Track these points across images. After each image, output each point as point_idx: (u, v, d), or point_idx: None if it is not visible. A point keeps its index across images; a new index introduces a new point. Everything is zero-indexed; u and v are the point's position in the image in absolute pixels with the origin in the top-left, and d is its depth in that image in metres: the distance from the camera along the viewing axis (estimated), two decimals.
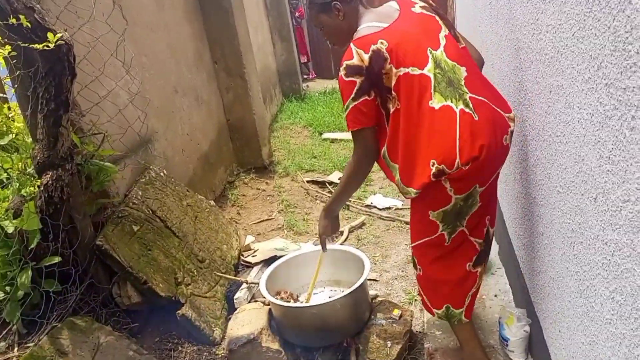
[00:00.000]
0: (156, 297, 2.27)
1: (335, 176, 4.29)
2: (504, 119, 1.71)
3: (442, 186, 1.65)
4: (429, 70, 1.66)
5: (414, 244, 1.87)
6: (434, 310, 1.95)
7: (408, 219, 3.40)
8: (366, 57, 1.65)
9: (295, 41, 7.11)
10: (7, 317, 1.95)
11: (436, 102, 1.63)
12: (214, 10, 4.04)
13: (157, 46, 3.20)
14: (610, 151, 0.98)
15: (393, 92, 1.68)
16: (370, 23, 1.76)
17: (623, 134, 0.91)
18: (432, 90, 1.64)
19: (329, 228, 2.10)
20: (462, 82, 1.68)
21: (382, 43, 1.66)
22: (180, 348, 2.32)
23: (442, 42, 1.73)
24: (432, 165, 1.62)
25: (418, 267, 1.91)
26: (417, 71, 1.66)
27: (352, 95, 1.68)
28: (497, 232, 2.41)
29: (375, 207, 3.73)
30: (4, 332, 1.96)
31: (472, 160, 1.60)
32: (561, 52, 1.27)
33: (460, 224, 1.75)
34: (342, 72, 1.70)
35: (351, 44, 1.70)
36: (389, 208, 3.66)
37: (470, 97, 1.65)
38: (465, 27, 4.43)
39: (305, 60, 8.27)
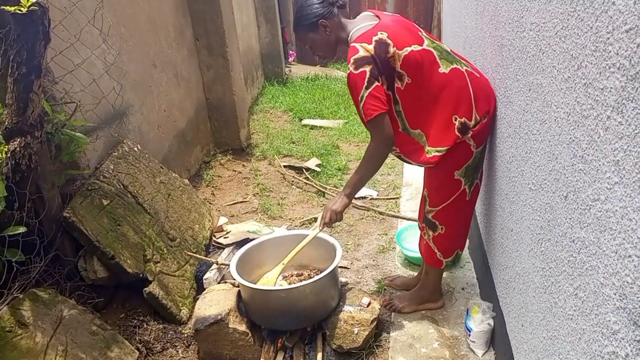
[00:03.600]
0: (123, 273, 2.24)
1: (313, 162, 4.28)
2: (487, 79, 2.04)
3: (467, 144, 1.92)
4: (427, 45, 1.90)
5: (439, 207, 2.09)
6: (444, 261, 2.22)
7: (382, 209, 3.45)
8: (370, 47, 1.82)
9: (280, 24, 7.01)
10: None
11: (444, 68, 1.88)
12: None
13: (137, 17, 3.11)
14: (584, 150, 1.00)
15: (401, 71, 1.85)
16: (359, 26, 1.96)
17: (598, 133, 0.93)
18: (438, 59, 1.88)
19: (342, 211, 2.12)
20: (454, 55, 1.98)
21: (381, 34, 1.85)
22: (145, 325, 2.29)
23: (422, 31, 2.00)
24: (455, 120, 1.88)
25: (440, 227, 2.13)
26: (418, 47, 1.87)
27: (365, 85, 1.82)
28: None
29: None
30: None
31: (486, 113, 1.90)
32: (543, 50, 1.28)
33: (476, 177, 2.05)
34: (351, 68, 1.84)
35: (353, 44, 1.87)
36: (364, 198, 3.67)
37: (466, 63, 1.97)
38: (450, 23, 4.44)
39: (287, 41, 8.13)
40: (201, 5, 4.00)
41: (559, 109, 1.15)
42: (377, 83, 1.82)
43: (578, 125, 1.03)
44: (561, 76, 1.14)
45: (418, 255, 2.38)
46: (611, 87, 0.86)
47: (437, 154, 1.93)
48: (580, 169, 1.02)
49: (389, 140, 1.91)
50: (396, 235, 2.90)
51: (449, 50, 2.01)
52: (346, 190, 2.09)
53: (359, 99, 1.84)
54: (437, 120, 1.91)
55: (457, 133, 1.89)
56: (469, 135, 1.91)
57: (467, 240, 2.76)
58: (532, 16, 1.38)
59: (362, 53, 1.82)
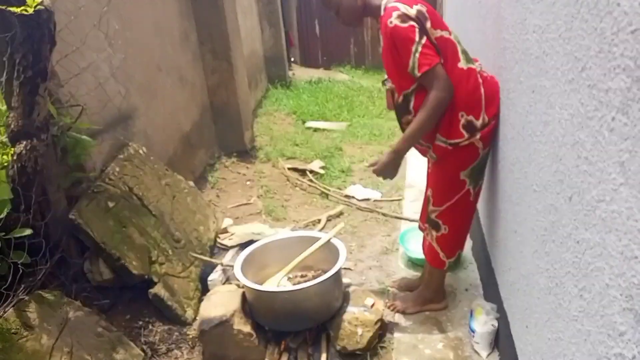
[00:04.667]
0: (129, 275, 2.25)
1: (316, 165, 4.29)
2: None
3: (475, 146, 1.94)
4: (454, 37, 1.93)
5: (443, 207, 2.10)
6: (447, 261, 2.22)
7: (385, 211, 3.45)
8: (412, 11, 1.82)
9: (283, 28, 7.04)
10: None
11: (464, 64, 1.91)
12: None
13: (142, 22, 3.13)
14: (589, 152, 1.00)
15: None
16: None
17: (602, 134, 0.93)
18: (460, 53, 1.91)
19: (392, 167, 2.02)
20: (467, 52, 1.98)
21: (422, 6, 1.86)
22: (150, 327, 2.30)
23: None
24: (462, 117, 1.89)
25: (443, 227, 2.14)
26: (447, 34, 1.90)
27: (417, 38, 1.80)
28: (471, 228, 2.45)
29: (354, 197, 3.74)
30: None
31: (495, 115, 1.91)
32: (547, 52, 1.28)
33: (481, 178, 2.08)
34: (396, 22, 1.80)
35: (395, 4, 1.84)
36: (367, 199, 3.67)
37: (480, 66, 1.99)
38: (453, 25, 4.45)
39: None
40: (206, 10, 4.02)
41: (563, 110, 1.15)
42: (425, 37, 1.81)
43: (582, 127, 1.03)
44: (565, 78, 1.14)
45: (421, 256, 2.38)
46: (616, 89, 0.87)
47: (442, 144, 1.95)
48: (585, 170, 1.02)
49: (450, 87, 1.84)
50: (400, 237, 2.90)
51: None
52: (395, 150, 1.98)
53: (413, 51, 1.80)
54: (446, 112, 1.90)
55: (462, 130, 1.90)
56: (478, 137, 1.92)
57: (470, 242, 2.77)
58: (535, 18, 1.39)
59: (406, 11, 1.81)
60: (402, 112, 2.04)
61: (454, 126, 1.91)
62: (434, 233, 2.19)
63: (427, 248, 2.28)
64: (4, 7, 1.76)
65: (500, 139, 1.95)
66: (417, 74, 1.82)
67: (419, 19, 1.82)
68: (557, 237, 1.22)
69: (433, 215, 2.16)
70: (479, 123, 1.91)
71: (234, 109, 4.37)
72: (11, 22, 1.86)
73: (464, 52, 1.94)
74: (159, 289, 2.31)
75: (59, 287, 2.12)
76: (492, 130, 1.95)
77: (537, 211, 1.40)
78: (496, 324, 2.03)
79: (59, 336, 1.87)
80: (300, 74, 7.64)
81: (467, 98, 1.90)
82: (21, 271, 1.98)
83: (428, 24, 1.83)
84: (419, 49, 1.80)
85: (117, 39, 2.65)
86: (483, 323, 2.04)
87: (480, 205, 2.55)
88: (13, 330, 1.75)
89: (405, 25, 1.80)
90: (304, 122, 5.49)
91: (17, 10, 1.75)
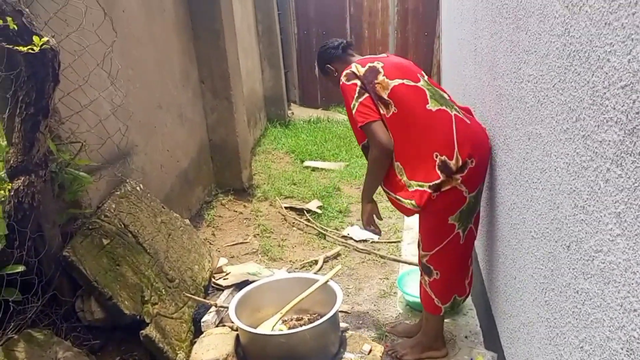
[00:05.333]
0: (120, 315, 2.20)
1: (314, 204, 4.29)
2: (484, 128, 2.11)
3: (459, 190, 1.93)
4: (422, 85, 2.01)
5: (432, 252, 2.09)
6: (442, 307, 2.19)
7: (383, 253, 3.42)
8: (362, 70, 2.02)
9: (283, 69, 7.18)
10: None
11: (433, 106, 1.96)
12: (204, 31, 4.07)
13: (144, 60, 3.20)
14: (585, 201, 1.00)
15: (388, 99, 1.96)
16: (363, 57, 2.15)
17: (598, 185, 0.94)
18: (428, 98, 1.97)
19: (372, 212, 2.23)
20: (449, 101, 2.05)
21: (378, 63, 2.03)
22: None
23: (425, 76, 2.11)
24: (436, 157, 1.91)
25: (435, 272, 2.13)
26: (411, 83, 1.99)
27: (356, 95, 1.99)
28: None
29: (351, 238, 3.72)
30: None
31: (469, 156, 1.91)
32: (541, 101, 1.31)
33: (470, 221, 2.06)
34: (343, 80, 2.05)
35: (353, 64, 2.07)
36: (365, 240, 3.65)
37: (459, 108, 2.04)
38: (449, 70, 4.55)
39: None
40: (207, 50, 4.12)
41: (559, 159, 1.17)
42: (367, 94, 1.98)
43: (578, 176, 1.04)
44: (560, 127, 1.16)
45: (419, 300, 2.35)
46: (609, 140, 0.88)
47: (418, 188, 1.92)
48: (582, 219, 1.02)
49: (385, 146, 1.96)
50: (397, 280, 2.86)
51: (445, 96, 2.07)
52: (362, 200, 2.22)
53: (352, 107, 2.00)
54: (419, 154, 1.94)
55: (437, 171, 1.90)
56: (459, 181, 1.91)
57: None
58: (529, 68, 1.42)
59: (353, 70, 2.03)
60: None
61: (431, 168, 1.91)
62: (427, 278, 2.18)
63: (422, 293, 2.25)
64: (10, 46, 1.79)
65: (498, 183, 1.96)
66: (359, 127, 2.01)
67: (365, 76, 1.99)
68: (557, 286, 1.21)
69: (424, 260, 2.15)
70: (452, 163, 1.89)
71: (232, 146, 4.40)
72: (17, 59, 1.90)
73: (437, 98, 1.99)
74: (150, 330, 2.26)
75: (49, 325, 2.07)
76: (475, 174, 1.95)
77: (536, 258, 1.40)
78: None
79: None
80: (299, 113, 7.74)
81: (439, 137, 1.93)
82: (11, 309, 1.94)
83: (380, 77, 1.97)
84: (357, 105, 1.98)
85: (119, 77, 2.69)
86: None
87: (479, 249, 2.54)
88: None
89: (349, 83, 2.01)
90: (302, 162, 5.52)
91: (24, 49, 1.79)
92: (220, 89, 4.23)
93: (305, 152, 5.75)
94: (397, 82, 1.96)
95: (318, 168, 5.31)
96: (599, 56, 0.91)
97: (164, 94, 3.47)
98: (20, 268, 1.96)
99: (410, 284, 2.79)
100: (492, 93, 2.06)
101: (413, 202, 1.94)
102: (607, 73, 0.88)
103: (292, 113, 7.61)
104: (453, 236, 2.04)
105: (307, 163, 5.46)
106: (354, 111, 2.00)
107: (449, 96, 2.10)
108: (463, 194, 1.95)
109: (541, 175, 1.33)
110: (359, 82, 1.99)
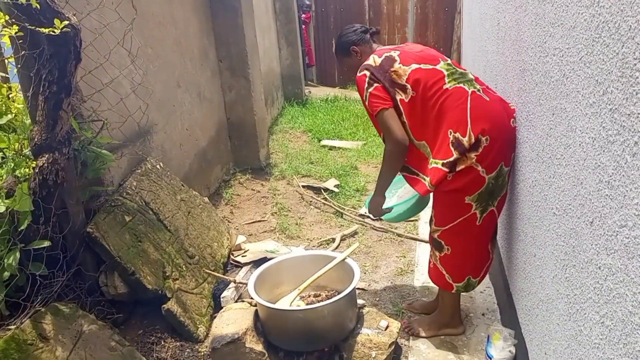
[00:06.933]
0: (143, 290, 2.25)
1: (331, 183, 4.29)
2: (509, 105, 2.04)
3: (475, 170, 1.92)
4: (441, 67, 2.02)
5: (445, 227, 2.10)
6: (455, 285, 2.19)
7: (400, 231, 3.42)
8: (379, 60, 2.05)
9: (301, 47, 7.12)
10: None
11: (449, 85, 1.97)
12: (223, 9, 4.05)
13: (164, 39, 3.20)
14: (610, 176, 0.99)
15: (405, 84, 1.98)
16: (385, 47, 2.17)
17: (624, 159, 0.92)
18: (445, 78, 1.98)
19: (377, 208, 2.31)
20: (473, 79, 2.03)
21: (395, 52, 2.07)
22: (163, 342, 2.29)
23: (448, 59, 2.11)
24: (450, 134, 1.92)
25: (446, 247, 2.14)
26: (429, 66, 2.01)
27: (366, 86, 2.04)
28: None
29: (368, 216, 3.72)
30: None
31: (482, 132, 1.89)
32: (567, 75, 1.28)
33: (492, 204, 2.02)
34: (358, 73, 2.09)
35: (371, 55, 2.10)
36: (381, 219, 3.65)
37: (480, 88, 2.00)
38: (470, 47, 4.46)
39: (308, 62, 8.21)
40: (225, 29, 4.10)
41: (584, 134, 1.15)
42: (376, 84, 2.02)
43: (604, 151, 1.02)
44: (586, 101, 1.13)
45: (397, 213, 2.38)
46: (638, 113, 0.86)
47: (437, 165, 1.95)
48: (607, 195, 1.01)
49: (400, 142, 2.00)
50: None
51: (468, 74, 2.04)
52: (375, 191, 2.27)
53: (364, 98, 2.06)
54: (437, 133, 1.97)
55: (451, 148, 1.91)
56: (474, 160, 1.89)
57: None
58: (555, 42, 1.39)
59: (370, 62, 2.06)
60: None
61: (445, 145, 1.94)
62: (438, 253, 2.18)
63: (432, 269, 2.26)
64: (33, 27, 1.81)
65: (520, 160, 1.93)
66: (372, 116, 2.08)
67: (382, 65, 2.02)
68: (578, 262, 1.20)
69: (435, 235, 2.16)
70: (465, 140, 1.89)
71: (250, 125, 4.41)
72: (39, 38, 1.92)
73: (456, 77, 1.99)
74: (172, 305, 2.31)
75: (74, 299, 2.13)
76: (491, 153, 1.91)
77: (558, 235, 1.38)
78: (514, 350, 1.99)
79: (72, 349, 1.88)
80: (317, 92, 7.69)
81: (453, 114, 1.93)
82: (39, 283, 2.00)
83: (396, 66, 2.00)
84: (367, 95, 2.03)
85: (139, 56, 2.71)
86: (500, 349, 2.00)
87: (498, 227, 2.52)
88: (29, 342, 1.76)
89: (360, 74, 2.07)
90: (319, 141, 5.51)
91: (45, 31, 1.80)
92: (238, 68, 4.23)
93: (322, 130, 5.74)
94: (413, 66, 1.99)
95: (335, 147, 5.31)
96: (630, 26, 0.89)
97: (183, 72, 3.48)
98: (46, 243, 2.01)
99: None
100: (516, 68, 2.02)
101: (428, 180, 1.99)
102: (638, 44, 0.86)
103: (310, 92, 7.57)
104: (469, 216, 2.02)
105: (324, 142, 5.46)
106: (366, 102, 2.05)
107: (475, 77, 2.06)
108: (480, 174, 1.92)
109: (565, 151, 1.31)
110: (368, 73, 2.03)
